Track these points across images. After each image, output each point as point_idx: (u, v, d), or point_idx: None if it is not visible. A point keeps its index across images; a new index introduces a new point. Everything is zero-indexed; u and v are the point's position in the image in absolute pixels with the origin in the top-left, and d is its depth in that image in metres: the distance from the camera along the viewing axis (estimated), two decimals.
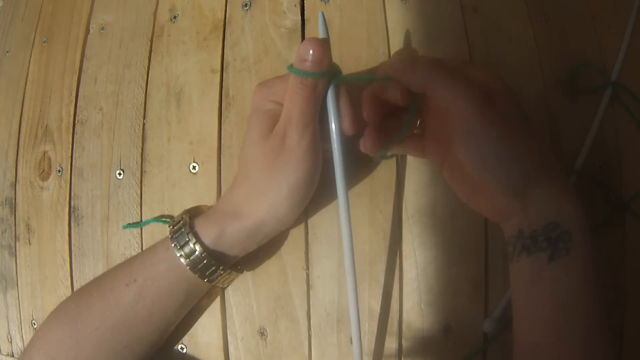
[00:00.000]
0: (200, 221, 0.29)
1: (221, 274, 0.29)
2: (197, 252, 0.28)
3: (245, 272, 0.33)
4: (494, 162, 0.24)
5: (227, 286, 0.33)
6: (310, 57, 0.24)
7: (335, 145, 0.26)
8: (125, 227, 0.35)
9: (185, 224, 0.29)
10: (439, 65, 0.25)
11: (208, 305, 0.34)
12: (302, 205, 0.29)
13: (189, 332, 0.34)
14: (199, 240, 0.28)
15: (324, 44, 0.25)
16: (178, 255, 0.28)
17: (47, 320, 0.31)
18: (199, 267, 0.28)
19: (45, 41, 0.42)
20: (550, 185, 0.24)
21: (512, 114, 0.25)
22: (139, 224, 0.35)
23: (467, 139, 0.24)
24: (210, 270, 0.29)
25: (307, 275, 0.33)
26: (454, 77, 0.25)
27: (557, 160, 0.26)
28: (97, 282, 0.31)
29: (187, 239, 0.28)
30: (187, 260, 0.28)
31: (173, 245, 0.28)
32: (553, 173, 0.25)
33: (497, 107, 0.25)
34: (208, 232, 0.28)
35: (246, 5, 0.36)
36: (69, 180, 0.38)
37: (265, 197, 0.27)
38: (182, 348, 0.34)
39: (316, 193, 0.33)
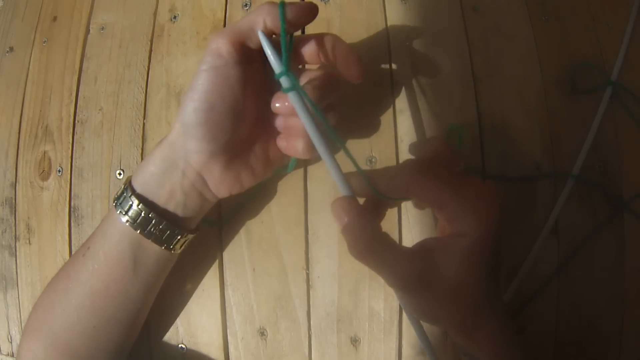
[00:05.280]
0: (136, 169, 0.29)
1: (156, 226, 0.28)
2: (133, 206, 0.28)
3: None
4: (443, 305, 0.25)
5: (179, 250, 0.30)
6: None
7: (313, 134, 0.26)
8: None
9: (126, 181, 0.29)
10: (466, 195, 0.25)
11: (208, 305, 0.34)
12: (210, 131, 0.27)
13: (189, 332, 0.34)
14: (132, 191, 0.28)
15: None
16: (117, 212, 0.28)
17: (29, 315, 0.31)
18: (138, 221, 0.28)
19: (45, 41, 0.42)
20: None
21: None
22: None
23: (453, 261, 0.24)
24: (146, 221, 0.28)
25: (307, 275, 0.33)
26: (476, 217, 0.24)
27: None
28: (64, 264, 0.31)
29: (125, 194, 0.28)
30: (127, 216, 0.28)
31: (114, 204, 0.28)
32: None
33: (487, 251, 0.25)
34: (137, 175, 0.29)
35: (246, 5, 0.36)
36: (69, 180, 0.38)
37: (178, 113, 0.27)
38: (182, 348, 0.34)
39: (316, 192, 0.33)
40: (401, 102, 0.33)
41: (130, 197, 0.28)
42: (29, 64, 0.43)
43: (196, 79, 0.26)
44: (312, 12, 0.27)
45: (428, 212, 0.32)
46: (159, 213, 0.28)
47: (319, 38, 0.28)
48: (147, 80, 0.37)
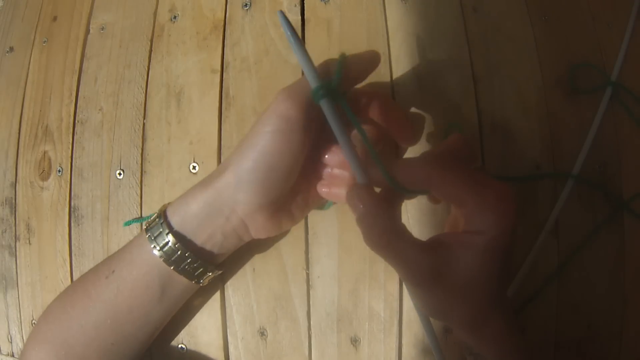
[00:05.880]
0: (172, 204, 0.29)
1: (190, 264, 0.28)
2: (169, 243, 0.28)
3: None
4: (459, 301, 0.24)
5: (206, 283, 0.31)
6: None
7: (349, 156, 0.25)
8: (125, 224, 0.35)
9: (160, 214, 0.29)
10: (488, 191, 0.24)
11: (208, 305, 0.34)
12: (264, 189, 0.27)
13: (189, 332, 0.34)
14: (169, 228, 0.28)
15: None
16: (152, 246, 0.28)
17: (37, 322, 0.31)
18: (172, 258, 0.28)
19: (45, 41, 0.43)
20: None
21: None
22: (140, 219, 0.35)
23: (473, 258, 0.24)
24: (181, 259, 0.28)
25: (307, 275, 0.33)
26: (502, 216, 0.24)
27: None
28: (80, 279, 0.31)
29: (161, 230, 0.28)
30: (161, 252, 0.28)
31: (147, 236, 0.28)
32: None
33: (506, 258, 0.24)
34: (175, 212, 0.28)
35: (246, 5, 0.36)
36: (69, 180, 0.38)
37: (232, 165, 0.27)
38: (182, 348, 0.34)
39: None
40: (401, 102, 0.33)
41: (167, 234, 0.28)
42: (29, 64, 0.43)
43: (258, 138, 0.26)
44: (374, 62, 0.27)
45: (428, 212, 0.32)
46: (195, 252, 0.28)
47: (372, 94, 0.29)
48: (147, 80, 0.37)
